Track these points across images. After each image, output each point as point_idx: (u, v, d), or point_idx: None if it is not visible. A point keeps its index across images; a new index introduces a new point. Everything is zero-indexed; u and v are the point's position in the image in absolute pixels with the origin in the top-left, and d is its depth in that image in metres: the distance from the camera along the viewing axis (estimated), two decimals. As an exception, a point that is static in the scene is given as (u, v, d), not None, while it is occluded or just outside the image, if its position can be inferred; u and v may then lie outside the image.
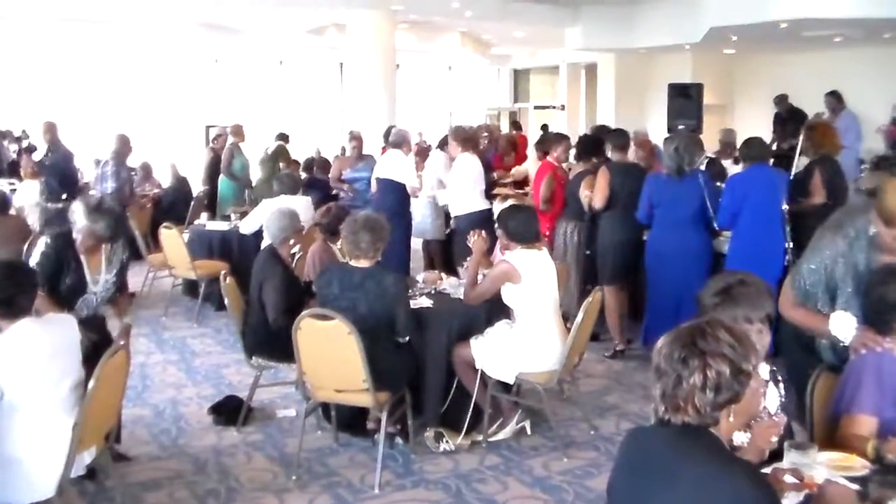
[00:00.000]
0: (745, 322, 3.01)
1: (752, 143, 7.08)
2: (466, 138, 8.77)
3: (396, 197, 9.20)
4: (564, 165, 8.57)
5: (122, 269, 5.06)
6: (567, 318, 5.76)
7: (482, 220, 8.20)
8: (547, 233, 7.89)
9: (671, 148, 6.89)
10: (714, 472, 2.22)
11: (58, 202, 9.49)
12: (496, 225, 5.64)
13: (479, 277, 5.57)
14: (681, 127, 12.76)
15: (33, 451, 3.70)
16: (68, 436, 3.73)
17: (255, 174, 12.49)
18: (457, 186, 8.68)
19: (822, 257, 3.74)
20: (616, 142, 7.64)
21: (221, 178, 11.92)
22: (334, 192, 10.51)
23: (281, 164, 12.27)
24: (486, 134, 9.77)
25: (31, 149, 9.71)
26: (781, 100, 14.06)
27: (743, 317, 3.04)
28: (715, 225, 6.84)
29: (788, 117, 13.46)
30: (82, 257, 4.79)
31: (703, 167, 8.15)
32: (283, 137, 13.06)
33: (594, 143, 7.87)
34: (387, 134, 10.26)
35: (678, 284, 6.66)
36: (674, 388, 2.31)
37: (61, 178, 9.57)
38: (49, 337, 3.85)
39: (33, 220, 9.18)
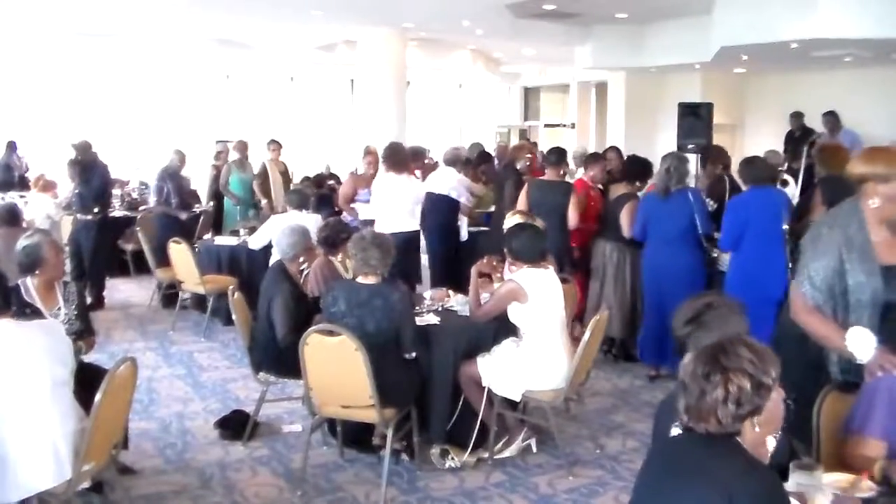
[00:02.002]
0: None
1: (754, 164, 7.06)
2: (386, 157, 8.67)
3: (450, 213, 9.32)
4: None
5: (83, 310, 5.15)
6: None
7: (407, 241, 8.27)
8: (575, 246, 8.07)
9: (663, 168, 7.08)
10: (738, 470, 2.34)
11: (88, 215, 9.60)
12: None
13: (485, 297, 5.59)
14: (690, 146, 12.76)
15: (13, 449, 3.71)
16: (55, 432, 3.76)
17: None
18: (383, 206, 8.51)
19: (825, 249, 3.66)
20: (550, 158, 8.15)
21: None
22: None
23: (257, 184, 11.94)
24: (528, 155, 9.65)
25: (80, 162, 9.73)
26: (796, 116, 14.05)
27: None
28: (705, 243, 6.95)
29: (801, 136, 13.45)
30: (35, 296, 4.87)
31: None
32: (271, 144, 12.43)
33: (640, 168, 7.91)
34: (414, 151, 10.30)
35: (669, 300, 6.77)
36: (697, 402, 2.43)
37: (97, 193, 9.71)
38: (22, 336, 3.86)
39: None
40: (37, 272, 4.89)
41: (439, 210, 9.28)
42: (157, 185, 10.24)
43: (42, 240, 4.96)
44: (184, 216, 10.20)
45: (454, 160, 9.58)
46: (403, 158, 8.79)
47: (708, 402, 2.41)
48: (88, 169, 9.68)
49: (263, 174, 12.05)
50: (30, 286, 4.87)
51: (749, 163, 7.11)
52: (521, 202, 7.92)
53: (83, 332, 5.05)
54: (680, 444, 2.58)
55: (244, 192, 11.72)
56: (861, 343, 3.45)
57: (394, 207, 8.46)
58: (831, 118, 12.97)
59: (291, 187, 11.33)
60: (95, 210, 9.62)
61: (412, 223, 8.61)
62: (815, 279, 3.68)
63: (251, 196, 11.86)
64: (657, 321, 7.07)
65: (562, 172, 8.25)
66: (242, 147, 11.96)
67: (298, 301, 5.70)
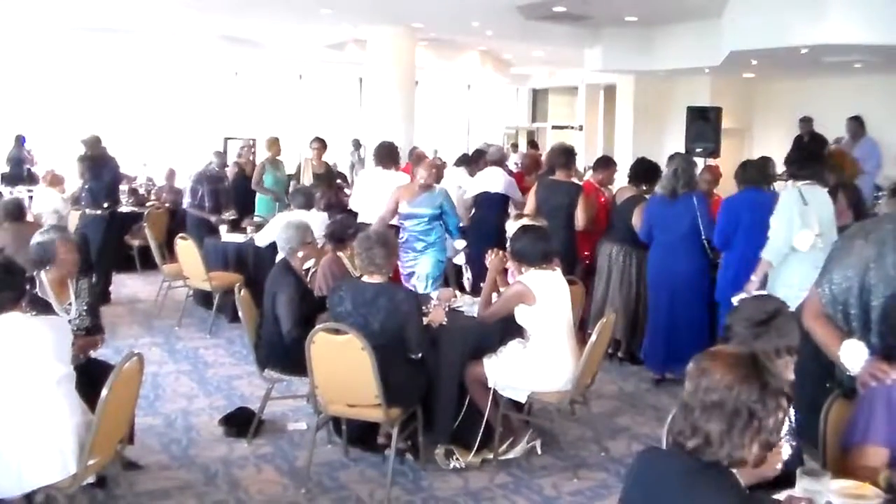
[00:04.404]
0: (785, 354, 3.02)
1: (748, 167, 7.07)
2: (380, 155, 9.06)
3: (503, 213, 9.26)
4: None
5: (94, 306, 5.19)
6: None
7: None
8: (587, 253, 8.14)
9: (670, 170, 7.09)
10: None
11: (97, 210, 9.58)
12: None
13: (494, 297, 5.58)
14: (699, 150, 12.75)
15: (18, 443, 3.72)
16: (60, 427, 3.78)
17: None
18: (361, 195, 8.95)
19: (854, 262, 3.65)
20: (559, 160, 8.20)
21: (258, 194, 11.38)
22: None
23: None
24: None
25: (90, 158, 9.59)
26: (805, 122, 14.02)
27: (784, 348, 3.04)
28: (707, 248, 6.95)
29: (809, 141, 13.42)
30: (49, 290, 4.91)
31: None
32: (314, 142, 11.40)
33: (648, 170, 7.92)
34: (409, 152, 10.31)
35: (670, 304, 6.99)
36: (744, 427, 2.26)
37: (108, 188, 9.74)
38: (30, 330, 3.87)
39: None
40: (48, 268, 4.93)
41: (495, 209, 9.27)
42: (192, 186, 10.24)
43: (55, 236, 5.02)
44: (214, 219, 9.93)
45: (502, 159, 9.65)
46: (392, 155, 9.11)
47: (754, 428, 2.25)
48: (99, 164, 9.67)
49: (297, 174, 11.54)
50: (44, 280, 4.90)
51: (743, 166, 7.13)
52: (530, 202, 8.01)
53: (93, 329, 5.09)
54: (666, 473, 2.39)
55: (279, 189, 11.23)
56: (853, 355, 3.45)
57: (372, 198, 8.54)
58: (855, 123, 12.86)
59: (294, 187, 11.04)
60: (105, 205, 9.63)
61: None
62: (835, 287, 3.69)
63: (286, 196, 11.38)
64: (661, 325, 7.12)
65: (571, 174, 8.28)
66: (273, 144, 11.47)
67: (303, 296, 5.70)
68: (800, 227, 5.81)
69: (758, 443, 2.28)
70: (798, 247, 5.80)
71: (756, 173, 6.99)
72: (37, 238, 4.96)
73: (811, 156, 6.43)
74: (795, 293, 5.34)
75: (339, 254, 6.46)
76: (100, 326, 5.24)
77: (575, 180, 8.33)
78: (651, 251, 7.24)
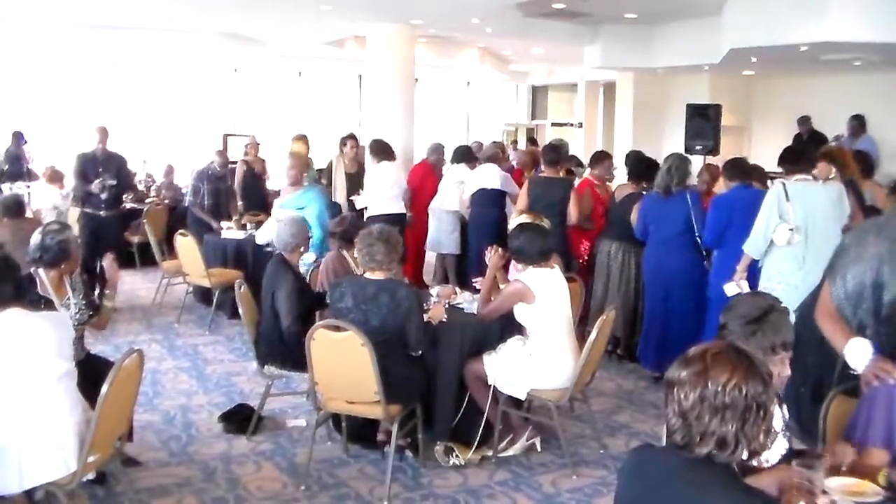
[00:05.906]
0: (780, 350, 3.02)
1: (736, 164, 7.07)
2: (379, 150, 9.48)
3: (500, 209, 9.35)
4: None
5: (90, 298, 5.22)
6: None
7: (392, 222, 8.04)
8: (585, 250, 8.20)
9: (664, 167, 7.10)
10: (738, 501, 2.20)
11: (115, 210, 9.50)
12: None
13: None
14: (698, 147, 12.75)
15: (19, 439, 3.72)
16: (60, 424, 3.78)
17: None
18: (373, 191, 9.27)
19: (868, 257, 3.67)
20: (546, 156, 8.39)
21: None
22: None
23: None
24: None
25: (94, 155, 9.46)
26: (804, 120, 14.03)
27: (780, 344, 3.04)
28: (701, 245, 6.95)
29: (809, 140, 13.41)
30: (49, 287, 4.89)
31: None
32: (349, 141, 10.91)
33: (647, 167, 7.91)
34: (458, 152, 10.36)
35: (665, 301, 7.03)
36: (755, 421, 2.25)
37: (123, 185, 9.78)
38: (31, 327, 3.86)
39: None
40: (62, 266, 4.94)
41: (492, 205, 9.34)
42: (193, 185, 10.21)
43: (71, 234, 5.06)
44: (215, 226, 9.74)
45: (494, 156, 9.70)
46: (387, 148, 9.51)
47: (762, 417, 2.26)
48: (114, 162, 9.54)
49: (329, 172, 11.14)
50: (43, 278, 4.89)
51: (732, 163, 7.12)
52: (522, 200, 8.06)
53: (92, 318, 5.12)
54: (661, 468, 2.37)
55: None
56: (858, 354, 3.45)
57: (380, 191, 9.06)
58: (856, 122, 12.90)
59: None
60: (123, 204, 9.70)
61: (397, 206, 9.24)
62: (849, 283, 3.70)
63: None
64: (655, 321, 7.14)
65: (562, 170, 8.32)
66: (301, 141, 11.29)
67: (301, 290, 5.71)
68: (778, 222, 5.86)
69: (763, 431, 2.29)
70: (776, 241, 5.87)
71: (743, 171, 6.96)
72: (54, 236, 4.94)
73: (804, 151, 6.46)
74: (774, 286, 5.68)
75: (343, 252, 6.45)
76: (98, 311, 5.26)
77: (576, 177, 8.35)
78: (646, 248, 7.24)
